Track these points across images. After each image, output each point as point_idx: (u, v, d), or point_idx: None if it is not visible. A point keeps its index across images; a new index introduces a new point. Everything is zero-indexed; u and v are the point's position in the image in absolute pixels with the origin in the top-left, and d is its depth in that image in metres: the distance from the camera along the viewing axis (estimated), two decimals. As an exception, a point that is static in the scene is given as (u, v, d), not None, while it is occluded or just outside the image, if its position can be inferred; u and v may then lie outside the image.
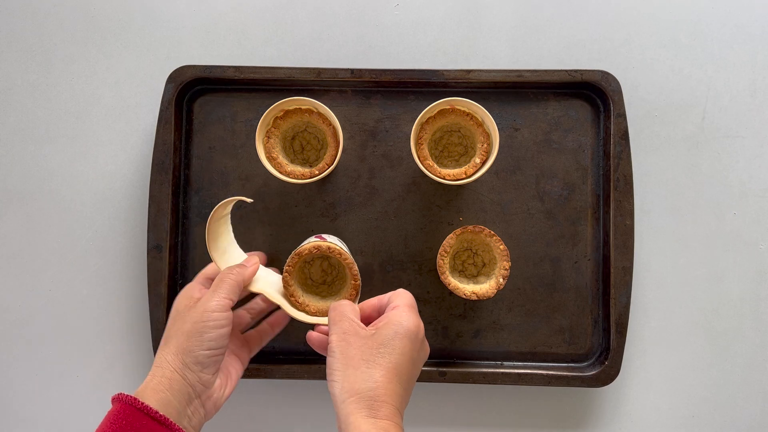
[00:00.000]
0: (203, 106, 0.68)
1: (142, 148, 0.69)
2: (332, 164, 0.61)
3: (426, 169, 0.61)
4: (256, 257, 0.60)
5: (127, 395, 0.48)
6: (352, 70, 0.66)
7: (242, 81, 0.67)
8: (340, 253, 0.59)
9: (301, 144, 0.64)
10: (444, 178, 0.60)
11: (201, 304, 0.53)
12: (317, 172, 0.61)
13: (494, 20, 0.70)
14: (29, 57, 0.70)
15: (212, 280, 0.57)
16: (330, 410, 0.67)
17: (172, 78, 0.66)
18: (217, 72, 0.66)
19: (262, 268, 0.60)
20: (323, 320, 0.58)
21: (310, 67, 0.66)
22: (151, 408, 0.47)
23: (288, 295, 0.59)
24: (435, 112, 0.61)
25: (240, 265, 0.57)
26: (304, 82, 0.66)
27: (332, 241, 0.60)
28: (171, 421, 0.48)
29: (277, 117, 0.62)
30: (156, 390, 0.49)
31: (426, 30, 0.70)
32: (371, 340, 0.50)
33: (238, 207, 0.67)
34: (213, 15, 0.70)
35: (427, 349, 0.54)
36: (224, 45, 0.70)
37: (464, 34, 0.70)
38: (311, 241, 0.59)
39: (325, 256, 0.62)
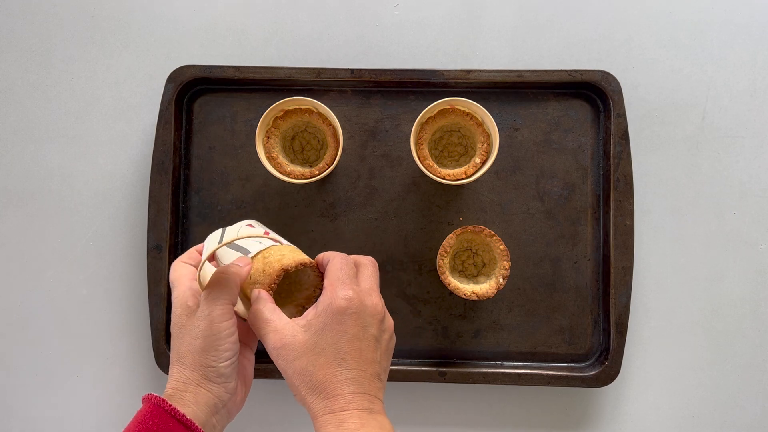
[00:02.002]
0: (203, 106, 0.68)
1: (142, 148, 0.69)
2: (332, 164, 0.61)
3: (426, 169, 0.61)
4: (247, 258, 0.57)
5: (157, 396, 0.48)
6: (352, 70, 0.66)
7: (242, 81, 0.67)
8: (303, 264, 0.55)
9: (301, 144, 0.65)
10: (444, 178, 0.60)
11: (204, 315, 0.50)
12: (317, 172, 0.61)
13: (494, 20, 0.70)
14: (29, 57, 0.70)
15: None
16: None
17: (172, 78, 0.66)
18: (217, 72, 0.66)
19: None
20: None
21: (310, 67, 0.66)
22: (178, 411, 0.47)
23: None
24: (435, 112, 0.61)
25: (234, 265, 0.54)
26: (304, 82, 0.66)
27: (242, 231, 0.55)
28: (196, 425, 0.47)
29: (277, 117, 0.62)
30: (180, 404, 0.48)
31: (426, 30, 0.70)
32: (304, 340, 0.48)
33: (238, 207, 0.67)
34: (213, 15, 0.70)
35: (381, 323, 0.50)
36: (224, 45, 0.70)
37: (464, 34, 0.70)
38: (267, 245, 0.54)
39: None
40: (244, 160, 0.67)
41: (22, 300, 0.69)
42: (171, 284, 0.53)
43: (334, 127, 0.62)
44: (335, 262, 0.51)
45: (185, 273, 0.54)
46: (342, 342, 0.48)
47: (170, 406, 0.47)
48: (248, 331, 0.57)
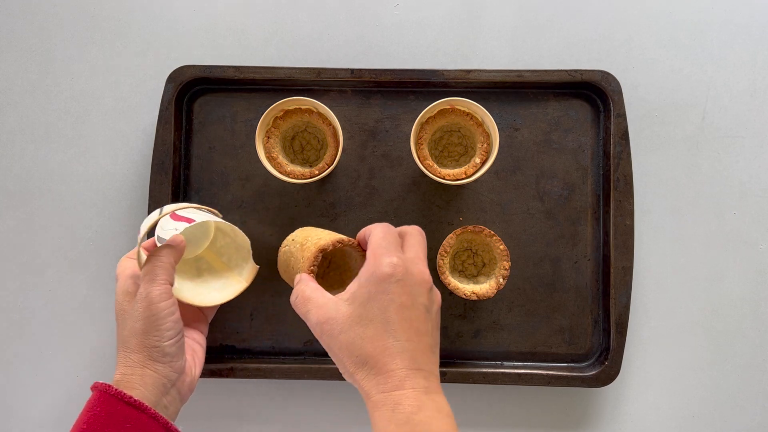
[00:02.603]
0: (203, 106, 0.68)
1: (142, 148, 0.69)
2: (332, 164, 0.61)
3: (426, 169, 0.61)
4: (180, 236, 0.55)
5: (103, 383, 0.48)
6: (352, 70, 0.66)
7: (242, 81, 0.67)
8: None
9: (301, 144, 0.65)
10: (444, 178, 0.60)
11: (142, 296, 0.50)
12: (317, 172, 0.61)
13: (494, 20, 0.70)
14: (29, 57, 0.70)
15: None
16: (330, 410, 0.68)
17: (172, 78, 0.66)
18: (217, 72, 0.66)
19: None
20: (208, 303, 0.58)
21: (310, 67, 0.66)
22: (125, 394, 0.47)
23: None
24: (435, 112, 0.61)
25: (167, 246, 0.53)
26: (304, 82, 0.66)
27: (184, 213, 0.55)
28: (145, 405, 0.47)
29: (277, 117, 0.62)
30: (128, 387, 0.48)
31: (426, 30, 0.70)
32: (349, 312, 0.46)
33: (238, 207, 0.67)
34: (213, 15, 0.70)
35: (430, 292, 0.48)
36: (224, 45, 0.70)
37: (464, 34, 0.70)
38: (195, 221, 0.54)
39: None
40: (244, 160, 0.67)
41: (22, 300, 0.69)
42: (116, 278, 0.54)
43: (334, 127, 0.62)
44: (377, 231, 0.48)
45: (128, 265, 0.55)
46: (390, 311, 0.44)
47: (116, 390, 0.47)
48: (195, 313, 0.58)
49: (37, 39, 0.70)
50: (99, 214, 0.69)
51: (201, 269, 0.62)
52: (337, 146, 0.61)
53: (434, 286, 0.48)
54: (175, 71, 0.66)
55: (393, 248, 0.47)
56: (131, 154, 0.69)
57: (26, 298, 0.69)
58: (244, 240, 0.60)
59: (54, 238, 0.69)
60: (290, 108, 0.62)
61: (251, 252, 0.60)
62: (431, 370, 0.45)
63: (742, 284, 0.68)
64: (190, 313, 0.58)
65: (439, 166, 0.62)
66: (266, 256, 0.66)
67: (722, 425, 0.67)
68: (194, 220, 0.53)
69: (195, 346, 0.56)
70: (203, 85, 0.67)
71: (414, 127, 0.60)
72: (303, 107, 0.62)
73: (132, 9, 0.71)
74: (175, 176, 0.66)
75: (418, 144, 0.61)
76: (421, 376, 0.43)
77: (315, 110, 0.62)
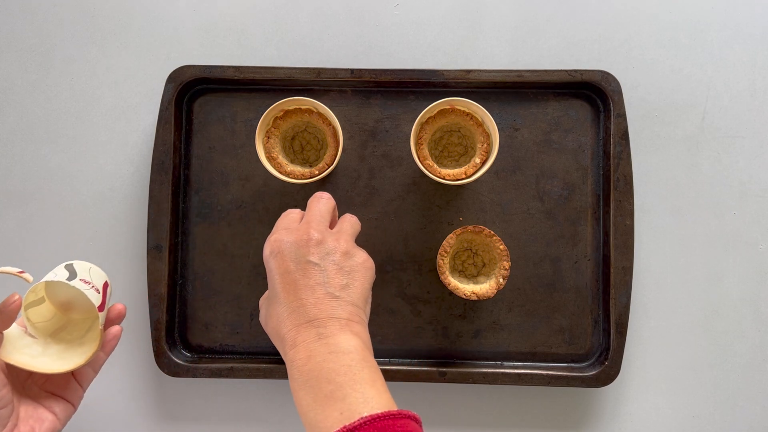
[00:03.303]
0: (203, 106, 0.68)
1: (142, 148, 0.69)
2: (332, 164, 0.61)
3: (426, 169, 0.61)
4: (16, 294, 0.48)
5: None
6: (352, 70, 0.66)
7: (242, 81, 0.67)
8: None
9: (301, 144, 0.65)
10: (444, 178, 0.60)
11: None
12: (317, 172, 0.61)
13: (494, 20, 0.70)
14: (29, 57, 0.70)
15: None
16: (330, 410, 0.67)
17: (172, 78, 0.66)
18: (217, 72, 0.66)
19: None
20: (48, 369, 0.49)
21: (310, 67, 0.66)
22: None
23: None
24: (435, 112, 0.61)
25: None
26: (304, 82, 0.66)
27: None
28: None
29: (276, 117, 0.62)
30: None
31: (426, 30, 0.70)
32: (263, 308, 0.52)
33: (237, 207, 0.67)
34: (213, 15, 0.70)
35: (317, 246, 0.48)
36: (224, 45, 0.70)
37: (464, 34, 0.70)
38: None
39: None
40: (244, 160, 0.67)
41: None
42: None
43: (334, 127, 0.62)
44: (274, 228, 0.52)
45: None
46: (277, 286, 0.47)
47: None
48: (62, 379, 0.51)
49: (37, 39, 0.70)
50: (99, 214, 0.69)
51: (56, 332, 0.53)
52: (337, 146, 0.61)
53: (332, 238, 0.49)
54: (175, 71, 0.66)
55: (275, 231, 0.50)
56: (131, 154, 0.69)
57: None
58: (87, 301, 0.53)
59: (54, 238, 0.69)
60: (290, 108, 0.62)
61: (99, 314, 0.51)
62: (331, 315, 0.45)
63: (742, 284, 0.68)
64: (55, 379, 0.51)
65: (439, 166, 0.62)
66: (266, 256, 0.66)
67: (722, 425, 0.67)
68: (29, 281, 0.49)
69: (45, 416, 0.49)
70: (203, 85, 0.67)
71: (414, 127, 0.60)
72: (303, 107, 0.62)
73: (132, 9, 0.71)
74: (175, 176, 0.66)
75: (418, 144, 0.61)
76: (313, 326, 0.45)
77: (315, 110, 0.62)
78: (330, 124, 0.62)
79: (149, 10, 0.71)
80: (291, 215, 0.53)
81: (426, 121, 0.62)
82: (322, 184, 0.66)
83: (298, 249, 0.48)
